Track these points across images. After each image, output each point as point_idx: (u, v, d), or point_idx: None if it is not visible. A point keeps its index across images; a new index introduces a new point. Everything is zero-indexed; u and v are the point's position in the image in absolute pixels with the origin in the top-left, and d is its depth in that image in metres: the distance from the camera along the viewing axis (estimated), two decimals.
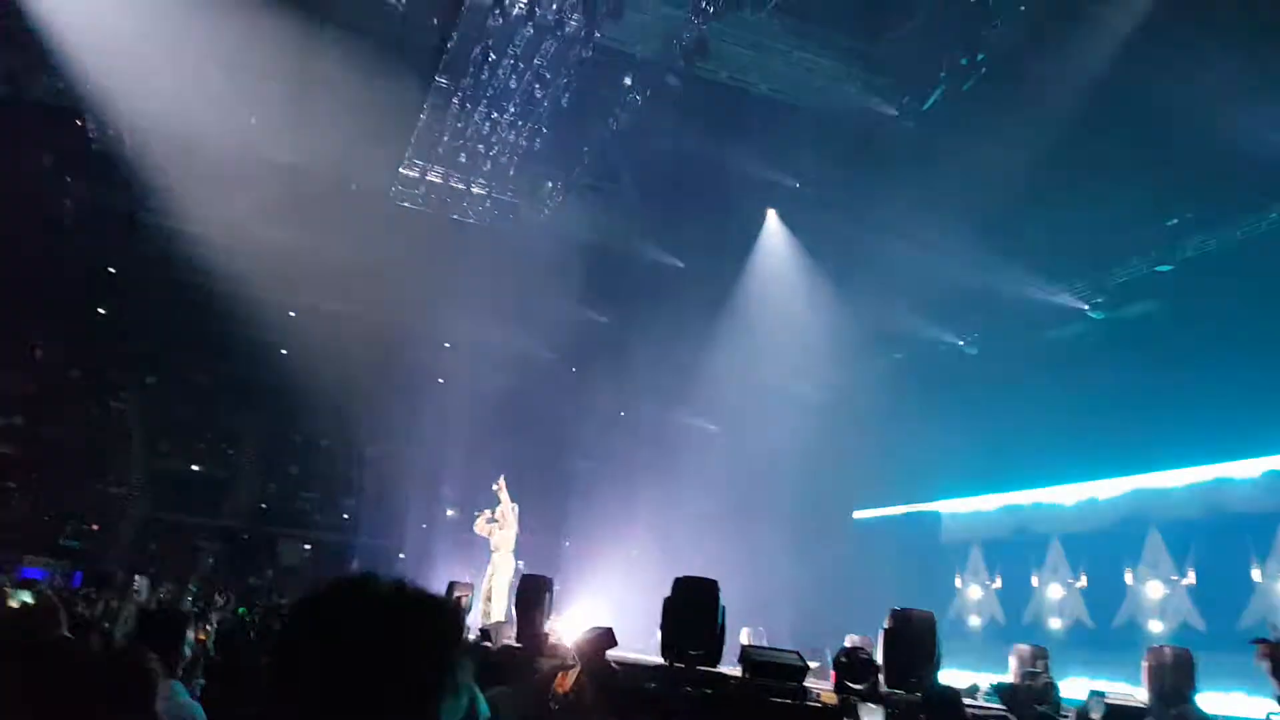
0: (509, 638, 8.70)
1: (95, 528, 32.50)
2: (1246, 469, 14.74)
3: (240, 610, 18.02)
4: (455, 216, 23.73)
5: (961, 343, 20.67)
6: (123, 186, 23.26)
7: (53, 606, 3.94)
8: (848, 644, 8.06)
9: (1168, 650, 6.81)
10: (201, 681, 5.75)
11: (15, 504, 31.84)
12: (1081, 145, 14.22)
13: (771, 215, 20.80)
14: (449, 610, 1.13)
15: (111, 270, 29.51)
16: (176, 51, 18.59)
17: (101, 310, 32.43)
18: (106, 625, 6.96)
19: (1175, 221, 15.67)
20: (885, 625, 7.06)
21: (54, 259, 26.77)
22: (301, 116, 20.43)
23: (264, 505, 33.68)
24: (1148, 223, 15.85)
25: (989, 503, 19.74)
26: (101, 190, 24.48)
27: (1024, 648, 8.58)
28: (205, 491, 34.21)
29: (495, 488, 13.11)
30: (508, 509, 12.62)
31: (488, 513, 12.74)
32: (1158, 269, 16.33)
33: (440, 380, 30.26)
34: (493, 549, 12.14)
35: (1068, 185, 15.03)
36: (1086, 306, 17.75)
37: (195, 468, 35.38)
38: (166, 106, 19.41)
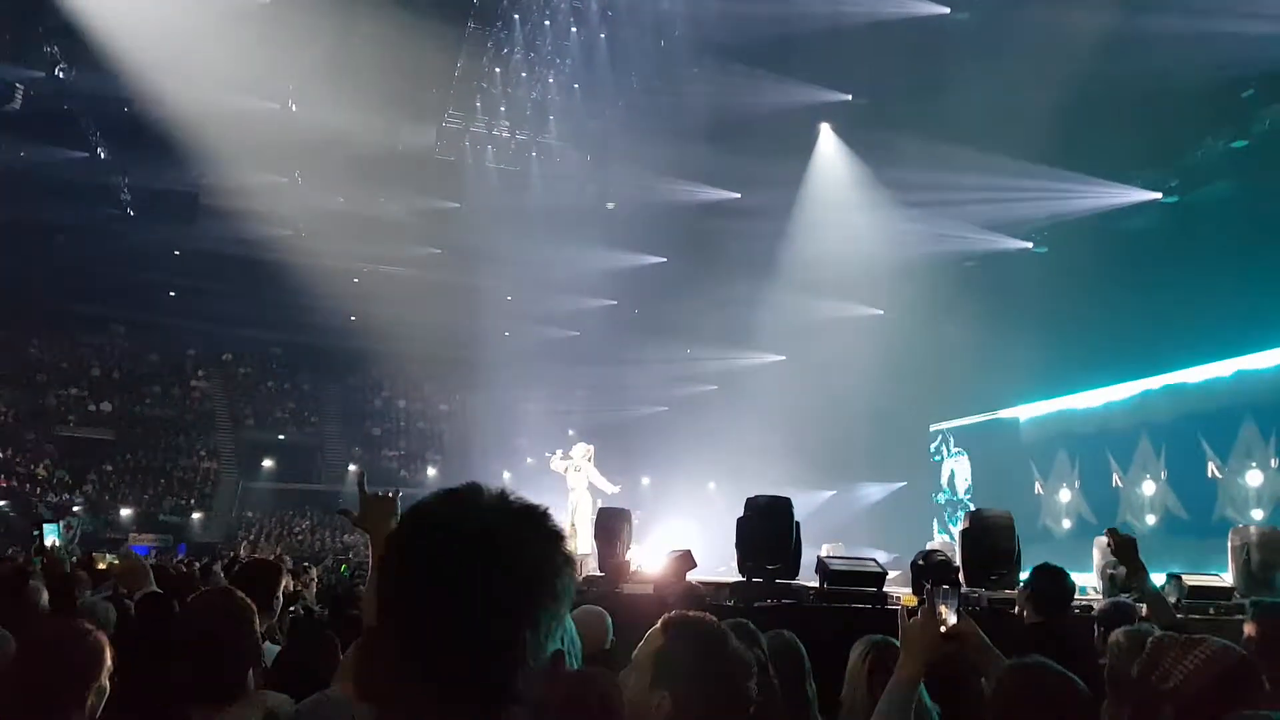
0: (591, 568, 8.87)
1: (192, 501, 34.02)
2: None
3: (343, 569, 18.71)
4: (502, 166, 23.75)
5: (1030, 245, 20.02)
6: (179, 169, 23.83)
7: (139, 564, 4.10)
8: (928, 549, 8.03)
9: (1253, 530, 6.61)
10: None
11: (115, 485, 33.45)
12: (1141, 24, 13.48)
13: (825, 130, 20.24)
14: (552, 519, 1.13)
15: (177, 253, 30.39)
16: (214, 30, 18.81)
17: (172, 293, 33.53)
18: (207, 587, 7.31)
19: (1251, 92, 14.81)
20: (962, 526, 7.00)
21: (120, 247, 27.69)
22: (344, 83, 20.56)
23: (352, 466, 34.73)
24: (1219, 99, 14.98)
25: (1070, 403, 19.26)
26: (160, 174, 25.07)
27: (1103, 539, 8.39)
28: (293, 459, 35.41)
29: (550, 455, 12.94)
30: (579, 452, 12.75)
31: (560, 451, 12.86)
32: (1233, 145, 15.52)
33: (506, 333, 30.64)
34: (570, 488, 12.33)
35: (1131, 69, 14.27)
36: (1159, 194, 17.01)
37: (280, 437, 36.59)
38: (213, 81, 19.71)
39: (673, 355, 28.65)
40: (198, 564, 13.02)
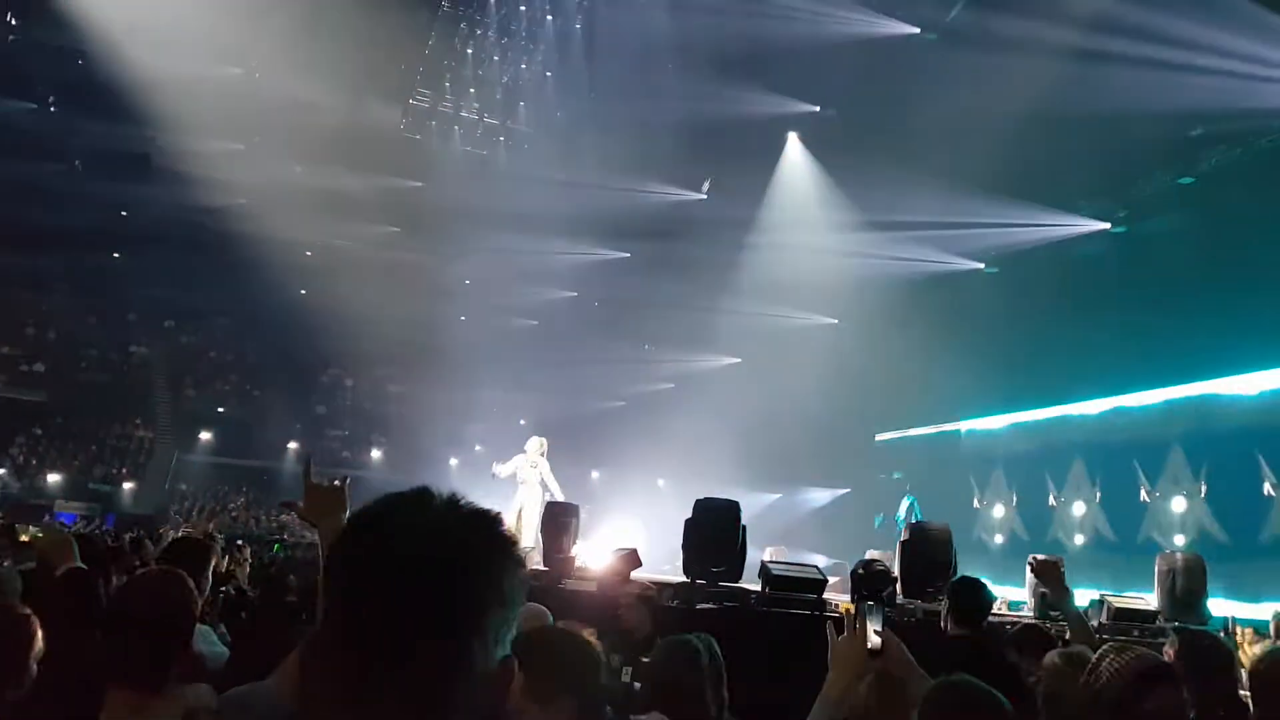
0: (535, 563, 8.88)
1: (124, 471, 33.18)
2: (1244, 384, 14.63)
3: (276, 547, 18.44)
4: (468, 149, 23.54)
5: (982, 265, 20.46)
6: (134, 128, 23.17)
7: (63, 539, 3.99)
8: (867, 558, 8.18)
9: (1179, 555, 6.85)
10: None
11: (44, 450, 32.52)
12: (1101, 59, 13.86)
13: (793, 139, 20.46)
14: (503, 524, 1.13)
15: (124, 214, 29.55)
16: None
17: (116, 255, 32.61)
18: (137, 562, 7.13)
19: (1199, 131, 15.27)
20: (902, 538, 7.14)
21: (66, 204, 26.87)
22: (311, 52, 20.19)
23: (292, 444, 34.18)
24: (1168, 135, 15.45)
25: (1009, 420, 19.76)
26: (112, 133, 24.39)
27: (1039, 558, 8.63)
28: (232, 432, 34.71)
29: (497, 466, 12.78)
30: (533, 446, 12.67)
31: (497, 463, 12.66)
32: (1180, 181, 16.01)
33: (463, 318, 30.39)
34: (520, 481, 12.27)
35: (1085, 102, 14.67)
36: (1108, 224, 17.49)
37: (220, 409, 35.86)
38: (174, 42, 19.23)
39: (630, 351, 28.71)
40: (127, 536, 12.70)
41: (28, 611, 2.49)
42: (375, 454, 35.88)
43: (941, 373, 18.90)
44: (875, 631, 2.61)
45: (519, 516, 11.76)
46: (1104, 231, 17.54)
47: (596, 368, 29.18)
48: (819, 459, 23.12)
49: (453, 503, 1.09)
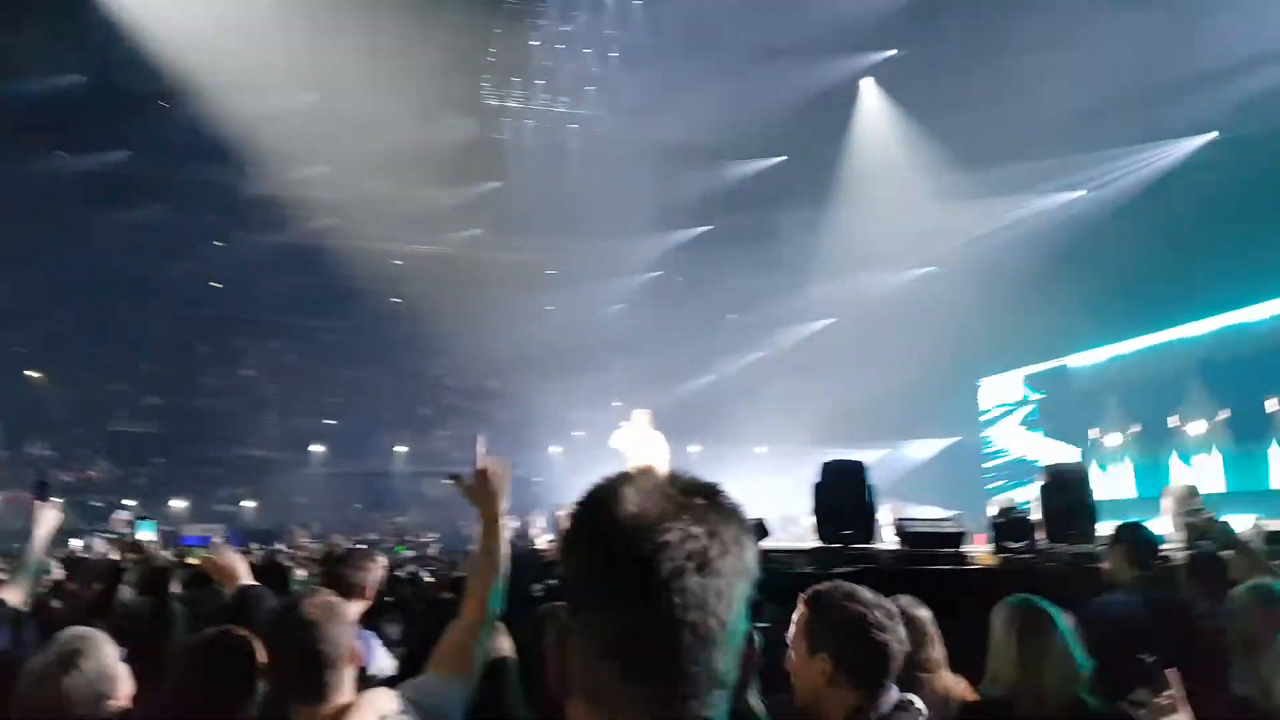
0: None
1: (244, 490, 34.65)
2: None
3: (399, 549, 18.98)
4: (541, 140, 23.72)
5: (1083, 192, 19.62)
6: (221, 162, 24.07)
7: (233, 558, 4.07)
8: (1005, 504, 7.99)
9: None
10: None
11: (167, 478, 34.14)
12: None
13: (867, 85, 19.81)
14: (732, 498, 1.10)
15: (219, 244, 30.73)
16: (253, 24, 18.87)
17: (217, 284, 33.96)
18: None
19: None
20: (1040, 481, 6.94)
21: (166, 242, 28.07)
22: (381, 68, 20.56)
23: (400, 448, 35.17)
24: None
25: (1121, 349, 18.94)
26: (203, 169, 25.34)
27: (1174, 487, 8.27)
28: (342, 443, 35.89)
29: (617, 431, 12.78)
30: (638, 418, 12.67)
31: (623, 425, 12.69)
32: None
33: (549, 307, 30.72)
34: (626, 457, 12.30)
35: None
36: (1215, 134, 16.60)
37: (329, 422, 37.07)
38: (250, 79, 19.85)
39: (718, 324, 28.56)
40: (259, 550, 13.32)
41: (244, 633, 2.62)
42: (480, 450, 36.57)
43: (1044, 310, 18.26)
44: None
45: None
46: (1210, 143, 16.65)
47: (685, 345, 29.16)
48: (922, 411, 22.67)
49: (690, 481, 1.06)
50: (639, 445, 12.07)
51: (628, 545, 0.99)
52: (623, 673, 0.99)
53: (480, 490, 2.43)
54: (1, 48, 21.20)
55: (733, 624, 1.01)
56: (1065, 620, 2.82)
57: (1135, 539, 4.41)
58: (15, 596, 3.67)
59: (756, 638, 2.82)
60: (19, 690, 2.50)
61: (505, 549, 2.40)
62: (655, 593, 0.97)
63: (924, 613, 3.31)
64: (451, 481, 2.56)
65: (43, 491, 4.15)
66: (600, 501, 1.04)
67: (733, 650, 1.02)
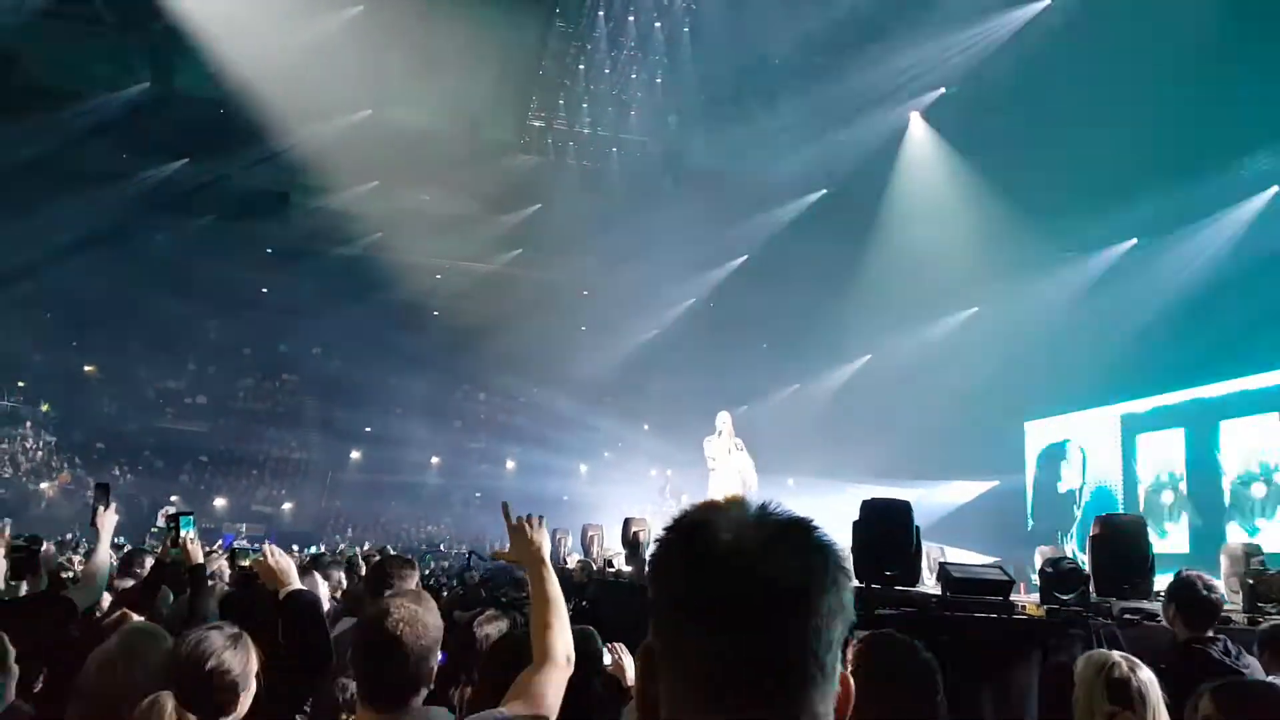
0: None
1: (283, 491, 35.07)
2: None
3: (426, 557, 19.25)
4: (585, 163, 23.80)
5: (1134, 240, 19.21)
6: (271, 169, 24.45)
7: (284, 562, 4.11)
8: (1040, 557, 7.75)
9: None
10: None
11: (210, 477, 34.67)
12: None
13: (915, 119, 19.68)
14: (822, 533, 1.04)
15: (269, 250, 31.25)
16: (306, 33, 19.23)
17: (265, 289, 34.53)
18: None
19: None
20: (1093, 532, 6.70)
21: (216, 247, 28.58)
22: (428, 82, 20.84)
23: (435, 458, 35.44)
24: None
25: (1177, 397, 18.37)
26: (252, 174, 25.75)
27: (1233, 545, 7.97)
28: (378, 450, 36.21)
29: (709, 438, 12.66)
30: (722, 422, 12.58)
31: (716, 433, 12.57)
32: None
33: (583, 328, 30.78)
34: (711, 468, 12.20)
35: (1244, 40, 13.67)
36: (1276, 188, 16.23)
37: (367, 429, 37.44)
38: (300, 87, 20.16)
39: (751, 355, 28.38)
40: (302, 553, 13.42)
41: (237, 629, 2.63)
42: (509, 464, 36.74)
43: (1092, 350, 17.85)
44: None
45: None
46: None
47: (716, 374, 29.02)
48: (962, 451, 22.23)
49: (768, 515, 1.00)
50: (727, 458, 11.87)
51: (725, 576, 0.95)
52: (712, 705, 0.94)
53: (520, 545, 2.49)
54: (71, 56, 21.84)
55: (830, 665, 0.96)
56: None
57: (1185, 596, 4.17)
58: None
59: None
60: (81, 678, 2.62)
61: (556, 591, 2.42)
62: (752, 626, 0.93)
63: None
64: (498, 557, 2.67)
65: (104, 497, 4.20)
66: (694, 529, 0.99)
67: (831, 693, 0.96)
